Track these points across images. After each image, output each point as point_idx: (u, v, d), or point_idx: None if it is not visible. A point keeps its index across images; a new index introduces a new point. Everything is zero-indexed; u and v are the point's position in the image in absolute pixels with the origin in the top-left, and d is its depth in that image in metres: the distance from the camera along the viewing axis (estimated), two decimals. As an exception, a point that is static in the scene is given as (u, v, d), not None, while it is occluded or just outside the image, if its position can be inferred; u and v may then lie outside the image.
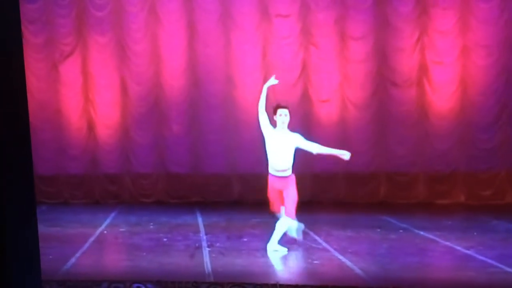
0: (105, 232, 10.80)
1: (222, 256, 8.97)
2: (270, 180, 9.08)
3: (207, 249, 9.42)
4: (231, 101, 13.59)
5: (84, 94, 13.72)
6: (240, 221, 11.63)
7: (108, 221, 11.50)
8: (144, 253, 9.15)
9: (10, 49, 3.89)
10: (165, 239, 10.13)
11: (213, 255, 9.03)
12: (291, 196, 8.95)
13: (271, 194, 9.14)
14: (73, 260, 8.74)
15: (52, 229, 10.84)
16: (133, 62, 13.74)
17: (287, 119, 8.96)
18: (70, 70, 13.65)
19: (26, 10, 13.54)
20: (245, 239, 10.11)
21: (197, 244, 9.70)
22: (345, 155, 9.13)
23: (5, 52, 3.84)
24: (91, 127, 13.64)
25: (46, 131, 13.36)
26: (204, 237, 10.27)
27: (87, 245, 9.74)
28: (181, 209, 12.87)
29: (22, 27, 13.15)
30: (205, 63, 13.61)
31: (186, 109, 13.66)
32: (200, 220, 11.78)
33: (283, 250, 9.11)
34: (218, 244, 9.74)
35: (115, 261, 9.40)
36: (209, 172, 13.61)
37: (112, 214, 11.74)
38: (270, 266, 8.65)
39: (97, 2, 13.66)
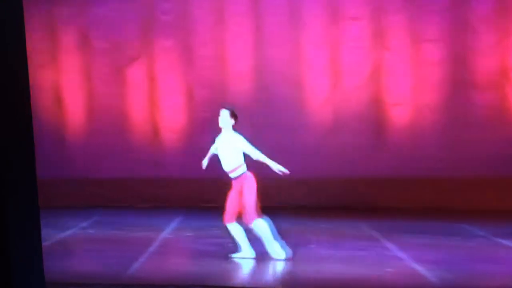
0: (170, 236, 10.90)
1: (288, 263, 8.94)
2: (232, 184, 9.19)
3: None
4: (299, 104, 13.56)
5: (149, 99, 13.96)
6: (306, 227, 11.61)
7: (172, 225, 11.61)
8: (209, 258, 9.24)
9: (13, 52, 4.00)
10: (230, 244, 10.08)
11: (279, 261, 9.01)
12: (247, 196, 9.02)
13: (230, 199, 9.15)
14: (136, 264, 8.86)
15: (116, 233, 11.06)
16: (199, 66, 13.89)
17: (223, 121, 9.13)
18: (135, 75, 13.90)
19: (92, 15, 13.88)
20: (312, 246, 10.11)
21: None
22: (281, 170, 9.20)
23: (9, 55, 3.95)
24: (156, 131, 13.79)
25: (111, 135, 13.58)
26: None
27: (151, 249, 9.83)
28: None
29: (88, 32, 13.57)
30: (272, 66, 13.69)
31: (251, 113, 13.70)
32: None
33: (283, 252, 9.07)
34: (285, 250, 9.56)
35: (178, 265, 9.44)
36: (273, 176, 13.59)
37: (177, 219, 11.83)
38: (339, 273, 8.57)
39: (164, 6, 13.86)
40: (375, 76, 13.68)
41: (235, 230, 9.11)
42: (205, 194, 13.85)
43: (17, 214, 3.96)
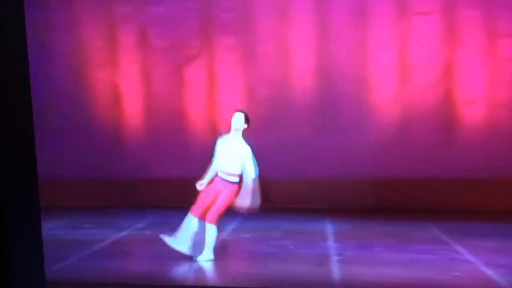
0: (227, 238, 10.83)
1: (352, 266, 8.78)
2: (215, 181, 9.07)
3: (336, 258, 9.27)
4: (365, 103, 13.21)
5: (209, 97, 13.90)
6: (371, 230, 11.36)
7: (231, 227, 11.52)
8: (268, 260, 9.17)
9: (14, 52, 4.05)
10: (291, 247, 10.02)
11: (342, 264, 8.87)
12: (220, 202, 8.94)
13: (206, 193, 9.04)
14: (194, 266, 8.89)
15: (173, 234, 10.66)
16: (260, 64, 13.75)
17: (238, 123, 9.05)
18: (194, 73, 13.85)
19: (151, 14, 13.90)
20: (377, 249, 9.85)
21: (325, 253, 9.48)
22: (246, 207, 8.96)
23: (9, 55, 4.00)
24: (215, 130, 13.62)
25: (169, 134, 13.53)
26: (333, 245, 10.13)
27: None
28: (308, 216, 12.73)
29: (148, 30, 13.53)
30: (336, 64, 13.45)
31: (315, 112, 13.41)
32: (329, 227, 11.60)
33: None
34: (348, 253, 9.54)
35: (236, 268, 9.36)
36: (338, 177, 13.27)
37: (236, 220, 11.70)
38: (403, 278, 8.28)
39: (224, 4, 13.78)
40: (447, 74, 13.23)
41: (191, 224, 9.03)
42: (265, 194, 13.49)
43: (17, 214, 4.02)
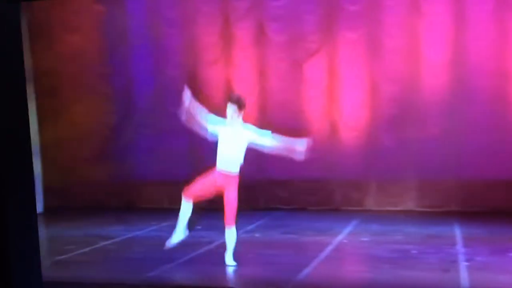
0: (345, 241, 10.59)
1: (482, 273, 8.35)
2: (215, 175, 8.92)
3: (465, 263, 8.82)
4: (505, 100, 12.51)
5: (329, 94, 13.60)
6: (505, 234, 10.74)
7: (348, 229, 11.29)
8: (387, 265, 8.86)
9: (9, 52, 4.22)
10: (414, 251, 9.64)
11: (472, 270, 8.44)
12: (232, 201, 8.88)
13: (206, 184, 8.94)
14: (307, 270, 8.72)
15: (287, 236, 10.96)
16: (387, 59, 13.34)
17: (235, 113, 8.82)
18: (314, 69, 13.60)
19: (271, 8, 13.75)
20: (511, 254, 9.31)
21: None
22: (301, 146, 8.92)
23: (4, 56, 4.17)
24: (334, 129, 13.47)
25: (284, 133, 13.19)
26: (462, 250, 9.64)
27: (323, 254, 9.62)
28: (435, 219, 12.20)
29: (266, 25, 13.33)
30: (473, 57, 12.86)
31: (445, 108, 12.79)
32: (457, 231, 11.09)
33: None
34: (478, 259, 9.06)
35: (352, 272, 9.12)
36: (469, 178, 12.57)
37: (353, 222, 11.54)
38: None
39: (349, -5, 13.36)
40: None
41: (186, 209, 8.99)
42: (387, 196, 13.16)
43: (17, 214, 4.20)
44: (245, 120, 9.01)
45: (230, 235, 8.93)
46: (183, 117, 9.00)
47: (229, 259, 8.97)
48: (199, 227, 11.70)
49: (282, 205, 13.52)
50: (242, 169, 8.97)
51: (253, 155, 13.71)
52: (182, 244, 9.39)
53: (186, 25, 13.94)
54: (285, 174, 13.33)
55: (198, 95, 14.02)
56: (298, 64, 13.59)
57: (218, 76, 13.84)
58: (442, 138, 12.94)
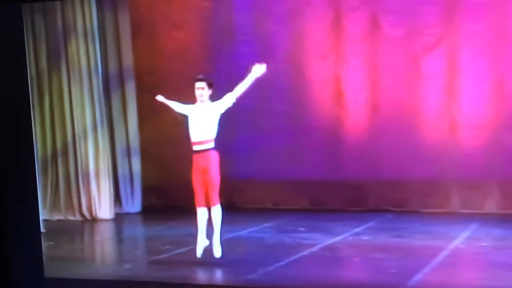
0: (461, 246, 10.26)
1: None
2: (194, 159, 9.30)
3: None
4: None
5: (448, 91, 13.14)
6: None
7: (466, 233, 10.90)
8: (510, 273, 8.55)
9: (13, 52, 4.33)
10: None
11: None
12: (214, 179, 9.16)
13: (196, 178, 9.22)
14: (419, 275, 8.52)
15: (397, 240, 10.73)
16: (515, 53, 12.84)
17: (204, 92, 9.21)
18: (433, 64, 13.19)
19: (386, 1, 13.32)
20: None
21: None
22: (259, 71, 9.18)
23: (8, 55, 4.28)
24: (453, 127, 12.97)
25: (397, 132, 13.05)
26: None
27: (437, 260, 9.36)
28: None
29: (381, 19, 12.93)
30: None
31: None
32: None
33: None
34: None
35: (469, 279, 8.80)
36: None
37: (472, 226, 11.17)
38: None
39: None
40: None
41: (202, 216, 9.27)
42: (510, 199, 12.55)
43: (17, 214, 4.30)
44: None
45: (216, 214, 9.16)
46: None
47: (216, 247, 9.14)
48: (302, 229, 11.60)
49: (393, 207, 13.18)
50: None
51: (358, 154, 13.51)
52: (284, 246, 9.37)
53: (294, 19, 13.82)
54: (397, 174, 13.11)
55: (305, 92, 13.91)
56: (415, 59, 13.18)
57: (327, 72, 13.60)
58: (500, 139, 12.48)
